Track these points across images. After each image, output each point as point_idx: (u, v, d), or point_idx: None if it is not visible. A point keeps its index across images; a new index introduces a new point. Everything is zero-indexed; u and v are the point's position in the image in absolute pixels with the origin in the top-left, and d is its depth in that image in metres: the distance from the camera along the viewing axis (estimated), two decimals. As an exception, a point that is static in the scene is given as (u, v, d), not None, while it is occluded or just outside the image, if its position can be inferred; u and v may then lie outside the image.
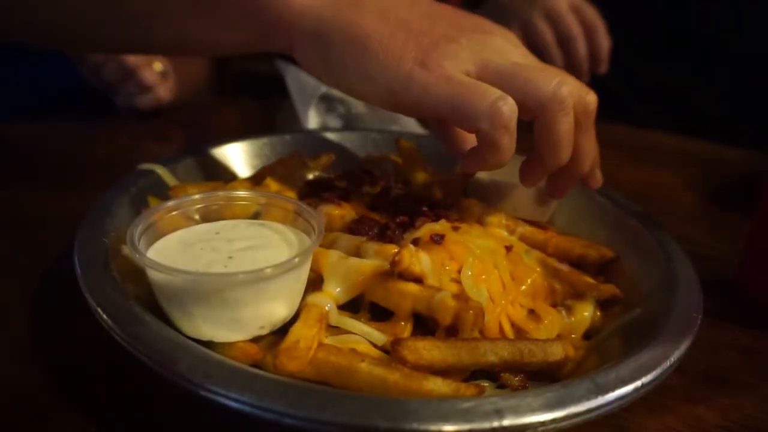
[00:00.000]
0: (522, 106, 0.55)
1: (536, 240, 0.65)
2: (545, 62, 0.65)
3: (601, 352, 0.54)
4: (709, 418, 0.53)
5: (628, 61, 1.30)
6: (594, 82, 0.81)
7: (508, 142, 0.55)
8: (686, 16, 1.38)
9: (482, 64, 0.58)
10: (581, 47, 1.20)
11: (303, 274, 0.50)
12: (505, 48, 0.61)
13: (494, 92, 0.54)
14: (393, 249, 0.53)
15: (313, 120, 1.07)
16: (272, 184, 0.69)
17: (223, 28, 0.66)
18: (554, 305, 0.59)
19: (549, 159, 0.58)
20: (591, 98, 0.58)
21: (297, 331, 0.47)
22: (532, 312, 0.56)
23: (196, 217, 0.56)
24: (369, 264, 0.52)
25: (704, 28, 1.35)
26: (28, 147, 1.02)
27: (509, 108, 0.54)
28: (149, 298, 0.48)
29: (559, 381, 0.47)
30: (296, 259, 0.47)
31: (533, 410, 0.39)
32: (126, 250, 0.55)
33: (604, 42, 1.21)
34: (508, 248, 0.59)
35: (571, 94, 0.56)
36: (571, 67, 1.19)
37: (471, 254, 0.55)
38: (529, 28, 1.20)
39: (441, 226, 0.58)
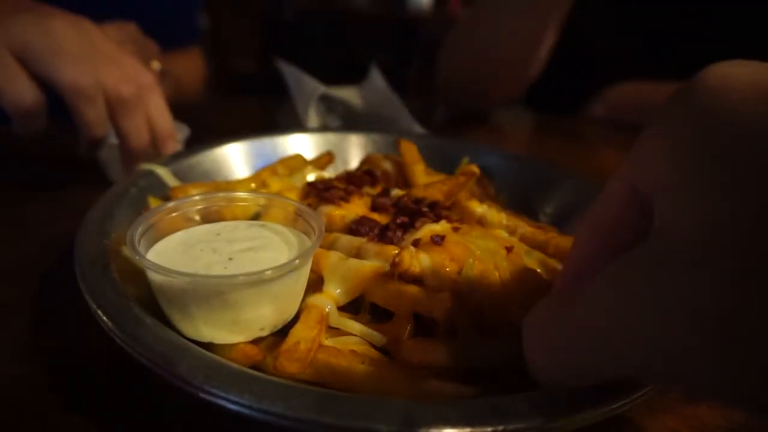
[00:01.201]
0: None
1: (537, 241, 0.65)
2: None
3: (601, 352, 0.54)
4: (710, 418, 0.52)
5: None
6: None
7: None
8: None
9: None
10: None
11: (303, 275, 0.50)
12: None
13: None
14: (393, 250, 0.53)
15: (313, 120, 1.07)
16: (273, 185, 0.69)
17: None
18: (555, 306, 0.59)
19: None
20: (125, 89, 0.76)
21: (297, 332, 0.47)
22: (532, 313, 0.56)
23: (197, 218, 0.56)
24: (369, 265, 0.52)
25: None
26: (28, 147, 1.02)
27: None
28: (149, 300, 0.48)
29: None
30: (296, 261, 0.47)
31: (534, 411, 0.39)
32: (126, 251, 0.54)
33: None
34: (509, 249, 0.59)
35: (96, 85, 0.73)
36: None
37: (471, 255, 0.55)
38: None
39: (441, 226, 0.58)
